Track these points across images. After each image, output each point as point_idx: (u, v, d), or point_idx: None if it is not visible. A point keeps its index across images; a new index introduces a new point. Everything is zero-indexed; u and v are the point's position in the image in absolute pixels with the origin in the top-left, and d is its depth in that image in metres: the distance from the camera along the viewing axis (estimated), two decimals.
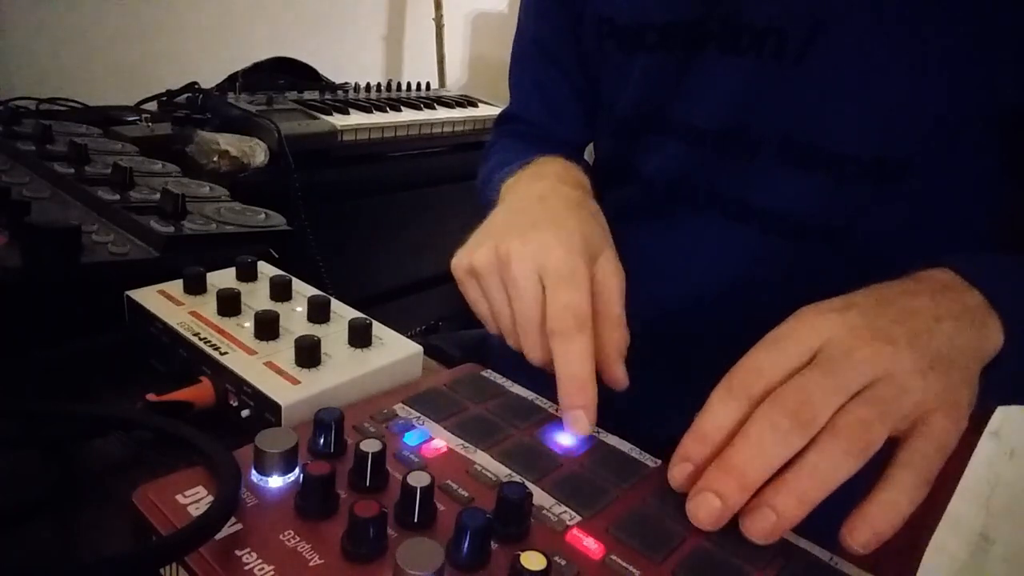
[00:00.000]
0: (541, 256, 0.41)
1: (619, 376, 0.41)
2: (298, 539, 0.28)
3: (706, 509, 0.31)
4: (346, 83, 1.52)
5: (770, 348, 0.34)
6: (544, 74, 0.68)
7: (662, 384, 0.52)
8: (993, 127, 0.46)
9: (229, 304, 0.45)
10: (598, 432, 0.40)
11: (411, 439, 0.36)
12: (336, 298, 0.48)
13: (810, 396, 0.31)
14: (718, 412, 0.33)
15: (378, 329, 0.45)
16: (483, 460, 0.35)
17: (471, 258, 0.44)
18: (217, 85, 1.33)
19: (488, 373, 0.45)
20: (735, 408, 0.33)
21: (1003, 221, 0.51)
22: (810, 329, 0.34)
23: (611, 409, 0.40)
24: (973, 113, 0.45)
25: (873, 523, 0.30)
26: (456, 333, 0.83)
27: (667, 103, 0.56)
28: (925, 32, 0.44)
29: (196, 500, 0.30)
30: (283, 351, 0.42)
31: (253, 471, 0.31)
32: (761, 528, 0.30)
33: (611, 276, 0.42)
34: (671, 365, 0.55)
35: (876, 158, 0.48)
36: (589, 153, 0.71)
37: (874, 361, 0.32)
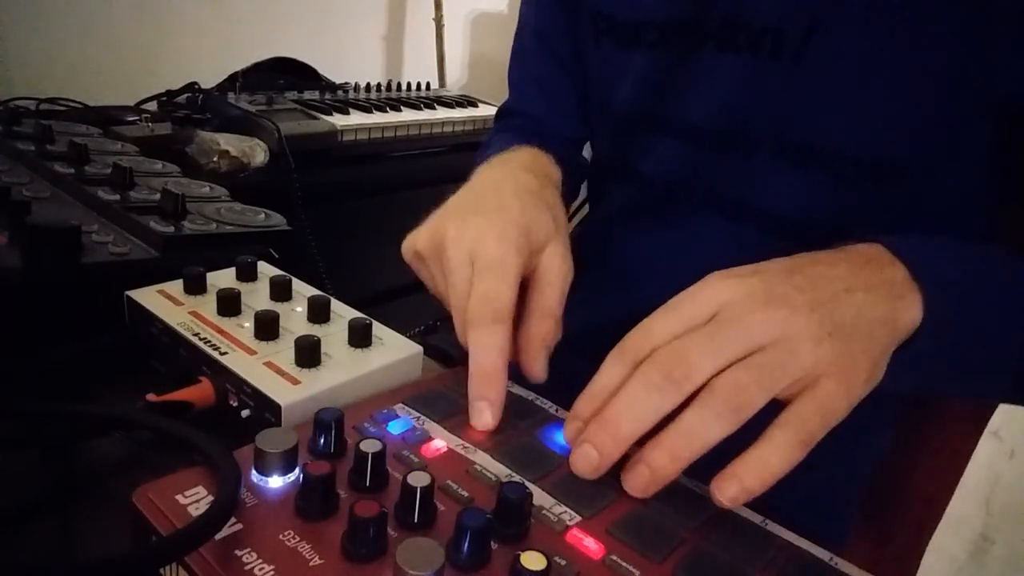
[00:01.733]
0: (473, 243, 0.41)
1: (536, 370, 0.41)
2: (298, 539, 0.28)
3: (584, 460, 0.33)
4: (346, 83, 1.52)
5: (666, 312, 0.35)
6: (543, 69, 0.68)
7: None
8: (991, 125, 0.46)
9: (229, 304, 0.45)
10: None
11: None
12: (336, 298, 0.48)
13: (686, 355, 0.32)
14: (607, 373, 0.35)
15: (378, 329, 0.45)
16: (483, 460, 0.35)
17: (415, 241, 0.45)
18: (217, 85, 1.33)
19: None
20: (621, 369, 0.34)
21: (1002, 221, 0.51)
22: (711, 293, 0.34)
23: None
24: (971, 111, 0.45)
25: (742, 478, 0.31)
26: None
27: (665, 101, 0.56)
28: (923, 29, 0.44)
29: (196, 500, 0.30)
30: (283, 351, 0.42)
31: (253, 471, 0.31)
32: (637, 483, 0.32)
33: (553, 267, 0.42)
34: None
35: (874, 158, 0.48)
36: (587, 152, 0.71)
37: (765, 325, 0.32)
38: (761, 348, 0.32)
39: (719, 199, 0.55)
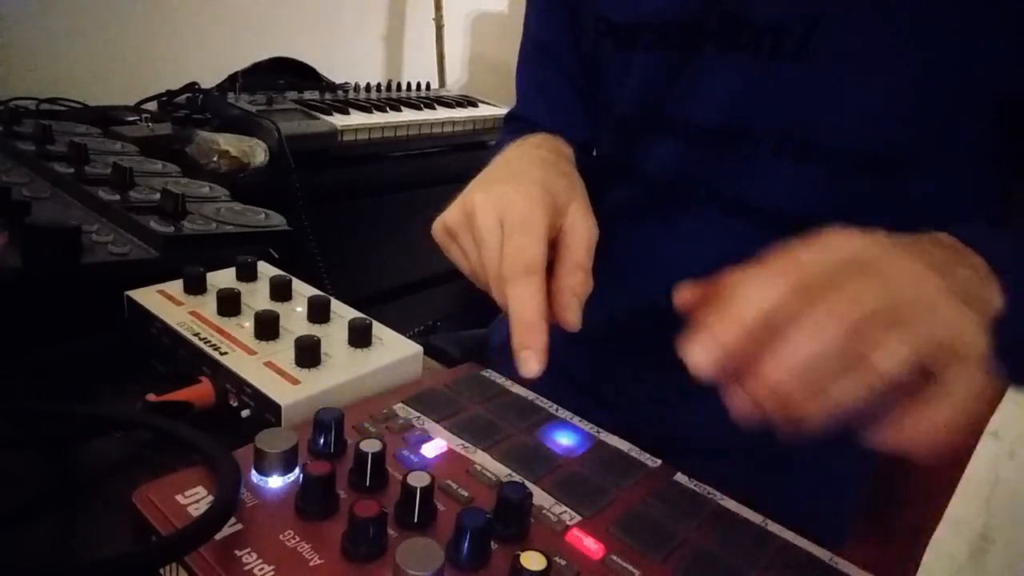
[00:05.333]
0: (501, 206, 0.42)
1: (571, 319, 0.41)
2: (298, 539, 0.28)
3: (747, 412, 0.30)
4: (346, 83, 1.52)
5: (808, 247, 0.33)
6: (547, 74, 0.68)
7: (662, 381, 0.52)
8: (990, 122, 0.46)
9: (229, 304, 0.45)
10: (598, 432, 0.40)
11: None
12: (336, 298, 0.48)
13: (860, 297, 0.30)
14: (764, 297, 0.31)
15: (378, 329, 0.45)
16: (483, 460, 0.35)
17: (445, 218, 0.46)
18: (217, 85, 1.33)
19: (488, 373, 0.45)
20: (773, 292, 0.31)
21: (1001, 217, 0.51)
22: (844, 241, 0.33)
23: (613, 408, 0.40)
24: (970, 107, 0.45)
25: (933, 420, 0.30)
26: (456, 333, 0.83)
27: (666, 101, 0.56)
28: (922, 26, 0.44)
29: (196, 500, 0.30)
30: (283, 351, 0.42)
31: (253, 471, 0.31)
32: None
33: (577, 224, 0.43)
34: (672, 362, 0.55)
35: (873, 154, 0.48)
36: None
37: (911, 276, 0.31)
38: (908, 303, 0.30)
39: (720, 197, 0.55)
